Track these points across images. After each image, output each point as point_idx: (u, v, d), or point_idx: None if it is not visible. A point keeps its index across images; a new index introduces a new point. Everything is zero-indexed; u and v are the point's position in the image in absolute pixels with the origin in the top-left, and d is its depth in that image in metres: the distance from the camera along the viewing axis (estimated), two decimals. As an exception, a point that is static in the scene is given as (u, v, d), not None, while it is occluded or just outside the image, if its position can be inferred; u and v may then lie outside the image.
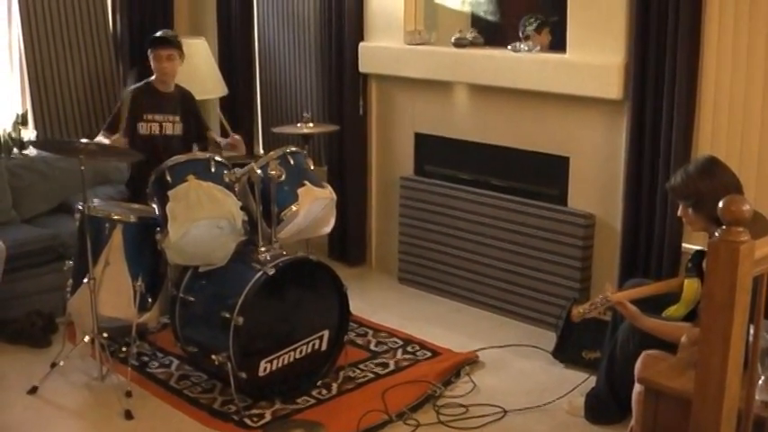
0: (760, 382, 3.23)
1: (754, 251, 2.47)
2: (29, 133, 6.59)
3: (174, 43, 5.51)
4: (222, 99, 7.28)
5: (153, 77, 5.55)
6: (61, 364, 4.87)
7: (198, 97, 6.86)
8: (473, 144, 5.90)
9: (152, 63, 5.49)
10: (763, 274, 2.59)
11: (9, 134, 6.42)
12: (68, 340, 5.01)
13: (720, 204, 2.45)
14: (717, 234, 2.47)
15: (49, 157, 6.18)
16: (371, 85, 6.46)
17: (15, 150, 6.41)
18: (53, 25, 6.61)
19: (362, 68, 6.37)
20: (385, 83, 6.39)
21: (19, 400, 4.73)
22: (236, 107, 7.34)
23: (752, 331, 2.74)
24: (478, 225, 5.84)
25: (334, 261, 6.65)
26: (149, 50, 5.51)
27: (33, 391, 4.79)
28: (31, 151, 6.43)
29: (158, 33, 5.59)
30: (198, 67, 6.73)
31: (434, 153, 6.21)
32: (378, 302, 6.07)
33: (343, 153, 6.60)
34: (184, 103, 5.64)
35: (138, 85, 5.69)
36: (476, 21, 6.43)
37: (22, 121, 6.52)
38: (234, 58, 7.31)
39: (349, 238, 6.73)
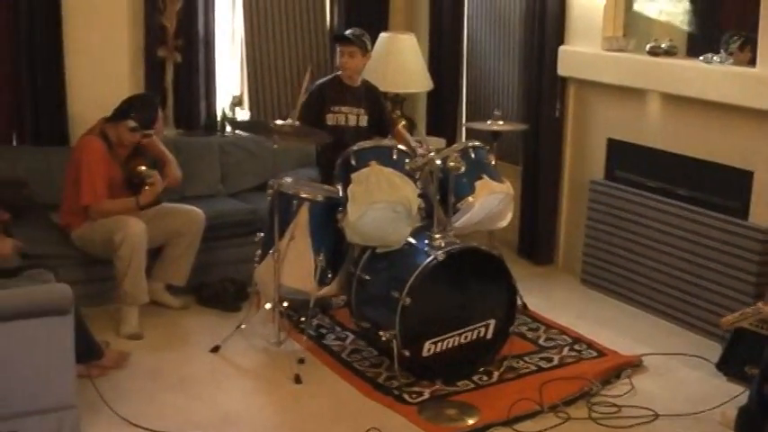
0: None
1: None
2: (244, 114, 7.05)
3: (353, 41, 5.79)
4: (429, 94, 7.54)
5: (340, 72, 5.86)
6: (243, 327, 5.24)
7: (404, 90, 7.19)
8: (662, 152, 5.88)
9: (336, 58, 5.81)
10: None
11: (224, 113, 6.88)
12: (254, 306, 5.37)
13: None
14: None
15: (258, 137, 6.59)
16: (570, 88, 6.53)
17: (228, 129, 6.88)
18: (273, 16, 7.05)
19: (561, 72, 6.44)
20: (582, 87, 6.44)
21: (202, 356, 5.14)
22: (442, 102, 7.56)
23: None
24: (661, 233, 5.82)
25: (522, 258, 6.84)
26: (336, 45, 5.83)
27: (216, 349, 5.18)
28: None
29: (347, 31, 5.90)
30: (406, 61, 7.02)
31: (625, 159, 6.21)
32: (557, 301, 6.15)
33: (537, 153, 6.69)
34: (369, 97, 5.92)
35: (325, 79, 6.01)
36: (682, 32, 6.37)
37: (237, 102, 6.99)
38: (442, 55, 7.50)
39: (538, 237, 6.83)
